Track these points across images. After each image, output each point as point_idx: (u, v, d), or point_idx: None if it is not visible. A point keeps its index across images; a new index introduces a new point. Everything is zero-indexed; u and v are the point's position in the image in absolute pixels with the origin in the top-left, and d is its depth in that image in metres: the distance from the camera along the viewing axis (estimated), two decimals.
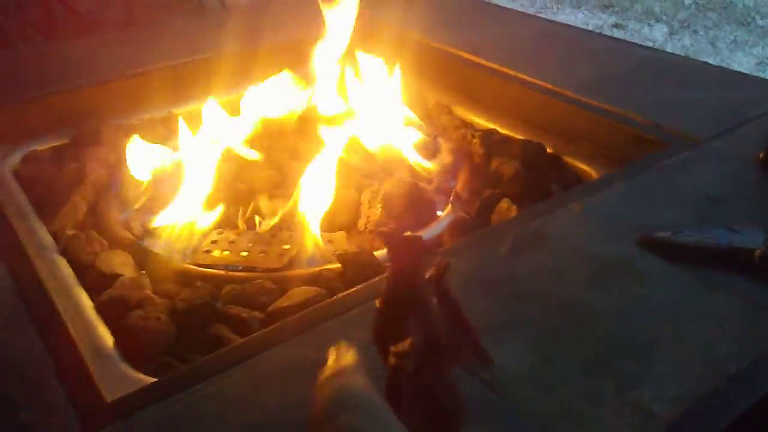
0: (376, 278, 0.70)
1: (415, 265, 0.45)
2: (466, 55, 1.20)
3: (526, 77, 1.10)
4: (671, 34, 3.79)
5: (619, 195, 0.80)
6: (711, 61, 3.42)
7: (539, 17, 1.43)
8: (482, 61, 1.17)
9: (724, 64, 3.40)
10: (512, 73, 1.12)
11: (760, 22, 3.71)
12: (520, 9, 4.02)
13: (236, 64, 1.16)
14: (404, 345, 0.42)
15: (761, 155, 0.84)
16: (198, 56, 1.19)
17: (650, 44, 3.67)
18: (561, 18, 3.95)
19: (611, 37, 1.29)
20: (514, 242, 0.73)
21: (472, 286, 0.67)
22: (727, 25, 3.81)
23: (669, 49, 3.59)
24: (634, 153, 0.93)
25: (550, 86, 1.07)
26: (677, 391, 0.55)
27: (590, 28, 3.85)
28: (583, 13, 4.11)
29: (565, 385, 0.56)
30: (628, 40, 3.52)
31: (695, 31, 3.82)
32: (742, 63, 3.24)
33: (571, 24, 3.79)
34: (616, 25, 3.92)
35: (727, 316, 0.63)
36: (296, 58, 1.13)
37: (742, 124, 0.93)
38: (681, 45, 3.61)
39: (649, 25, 3.96)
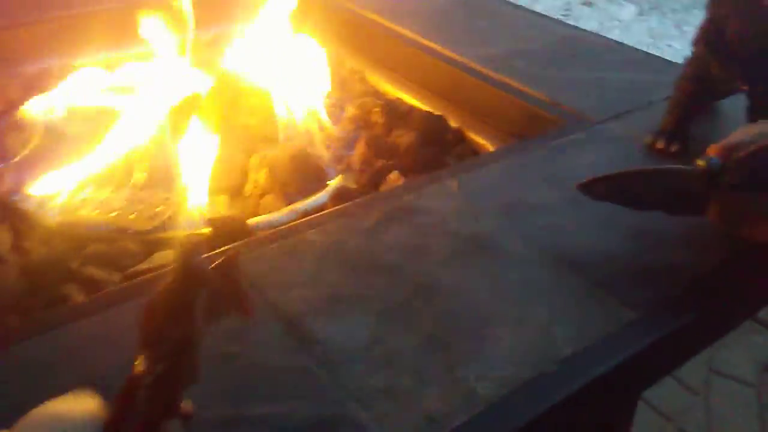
0: (238, 243, 0.69)
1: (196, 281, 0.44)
2: (384, 22, 1.17)
3: (439, 48, 1.08)
4: (639, 14, 3.78)
5: (500, 172, 0.79)
6: (675, 45, 3.42)
7: None
8: (400, 29, 1.14)
9: (686, 48, 3.42)
10: (427, 43, 1.09)
11: None
12: None
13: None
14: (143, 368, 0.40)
15: (647, 140, 0.83)
16: (107, 5, 1.14)
17: (617, 23, 3.66)
18: None
19: (536, 13, 1.26)
20: (382, 215, 0.72)
21: (327, 258, 0.66)
22: (695, 9, 3.81)
23: (634, 30, 3.59)
24: (532, 131, 0.92)
25: (461, 59, 1.05)
26: (505, 372, 0.55)
27: (560, 3, 3.82)
28: None
29: (396, 362, 0.56)
30: (596, 17, 3.50)
31: (664, 14, 3.81)
32: None
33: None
34: (586, 3, 3.89)
35: (574, 298, 0.62)
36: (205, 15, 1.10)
37: (643, 107, 0.93)
38: (647, 26, 3.61)
39: (619, 4, 3.94)
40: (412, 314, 0.60)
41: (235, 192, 0.88)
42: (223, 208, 0.84)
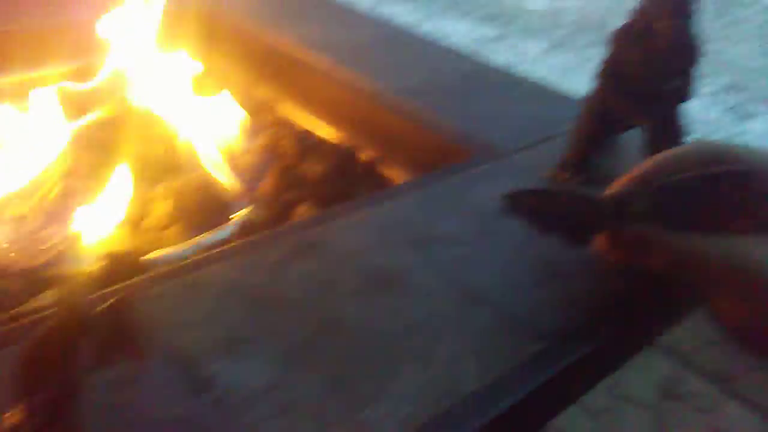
0: (134, 279, 0.65)
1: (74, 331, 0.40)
2: (298, 53, 1.16)
3: (352, 79, 1.07)
4: (548, 50, 3.95)
5: (407, 205, 0.79)
6: (581, 80, 3.60)
7: (387, 22, 1.41)
8: (312, 60, 1.13)
9: (591, 84, 3.59)
10: (339, 74, 1.09)
11: None
12: (404, 14, 4.07)
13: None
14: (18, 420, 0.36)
15: (551, 172, 0.85)
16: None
17: (525, 58, 3.81)
18: (447, 26, 4.03)
19: (447, 47, 1.28)
20: (288, 249, 0.70)
21: (228, 295, 0.63)
22: (602, 46, 4.02)
23: (541, 66, 3.74)
24: (443, 162, 0.92)
25: (374, 90, 1.04)
26: (410, 411, 0.53)
27: (472, 38, 3.95)
28: (467, 24, 4.21)
29: (297, 406, 0.53)
30: (506, 52, 3.63)
31: (571, 50, 4.00)
32: None
33: (454, 33, 3.88)
34: (496, 38, 4.03)
35: (481, 331, 0.62)
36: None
37: (549, 139, 0.95)
38: (555, 62, 3.77)
39: (527, 39, 4.10)
40: (315, 353, 0.58)
41: (136, 225, 0.84)
42: (121, 242, 0.79)
